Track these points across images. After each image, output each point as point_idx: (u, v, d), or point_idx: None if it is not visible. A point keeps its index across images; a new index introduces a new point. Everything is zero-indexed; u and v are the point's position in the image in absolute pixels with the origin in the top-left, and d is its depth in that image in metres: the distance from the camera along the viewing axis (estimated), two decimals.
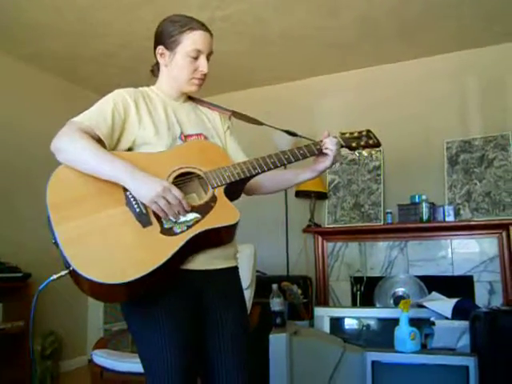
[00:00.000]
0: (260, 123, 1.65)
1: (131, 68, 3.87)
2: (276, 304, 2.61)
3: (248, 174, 1.37)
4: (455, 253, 3.54)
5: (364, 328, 2.89)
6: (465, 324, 2.37)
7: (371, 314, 2.91)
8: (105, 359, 2.38)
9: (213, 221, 1.27)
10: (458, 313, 2.48)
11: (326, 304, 3.77)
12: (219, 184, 1.33)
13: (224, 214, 1.29)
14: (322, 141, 1.48)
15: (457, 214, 3.54)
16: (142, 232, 1.22)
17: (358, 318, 2.92)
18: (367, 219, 3.81)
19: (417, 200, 3.65)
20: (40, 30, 3.36)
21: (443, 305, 2.59)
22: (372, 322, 2.89)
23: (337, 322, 2.90)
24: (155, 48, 1.47)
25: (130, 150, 1.38)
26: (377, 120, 3.74)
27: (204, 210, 1.28)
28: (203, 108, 1.58)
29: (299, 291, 3.19)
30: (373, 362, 2.20)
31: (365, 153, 1.56)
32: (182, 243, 1.22)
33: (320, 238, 3.94)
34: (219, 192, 1.33)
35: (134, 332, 1.34)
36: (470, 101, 3.80)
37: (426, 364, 2.15)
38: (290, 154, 1.43)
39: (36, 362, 3.25)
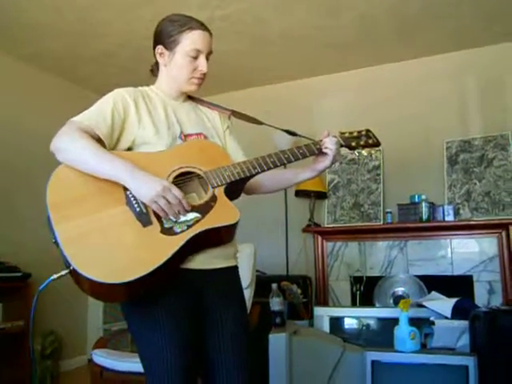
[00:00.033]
0: (260, 123, 1.65)
1: (131, 68, 3.87)
2: (276, 304, 2.61)
3: (248, 174, 1.37)
4: (455, 252, 3.54)
5: (364, 328, 2.89)
6: (464, 324, 2.37)
7: (371, 314, 2.91)
8: (104, 359, 2.38)
9: (213, 220, 1.27)
10: (457, 312, 2.48)
11: (325, 304, 3.78)
12: (219, 183, 1.33)
13: (224, 213, 1.29)
14: (321, 140, 1.48)
15: (456, 213, 3.54)
16: (142, 232, 1.22)
17: (357, 318, 2.93)
18: (367, 219, 3.81)
19: (416, 200, 3.65)
20: (40, 29, 3.36)
21: (443, 304, 2.59)
22: (372, 322, 2.89)
23: (336, 322, 2.90)
24: (154, 48, 1.47)
25: (129, 149, 1.38)
26: (376, 120, 3.74)
27: (204, 209, 1.28)
28: (203, 107, 1.58)
29: (299, 291, 3.19)
30: (372, 362, 2.20)
31: (364, 152, 1.56)
32: (182, 243, 1.22)
33: (320, 238, 3.94)
34: (219, 191, 1.33)
35: (133, 332, 1.34)
36: (470, 101, 3.80)
37: (426, 364, 2.15)
38: (289, 154, 1.43)
39: (36, 362, 3.25)
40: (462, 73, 3.83)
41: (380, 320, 2.86)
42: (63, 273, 1.19)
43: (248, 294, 2.57)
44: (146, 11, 3.13)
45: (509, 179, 3.46)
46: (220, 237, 1.34)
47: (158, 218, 1.25)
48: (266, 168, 1.40)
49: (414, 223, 3.60)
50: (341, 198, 3.97)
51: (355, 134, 1.56)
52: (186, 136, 1.43)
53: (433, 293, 2.95)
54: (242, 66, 4.09)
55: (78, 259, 1.15)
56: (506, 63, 3.70)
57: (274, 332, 2.43)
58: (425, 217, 3.54)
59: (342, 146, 1.51)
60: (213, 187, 1.33)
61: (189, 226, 1.24)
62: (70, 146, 1.26)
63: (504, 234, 3.38)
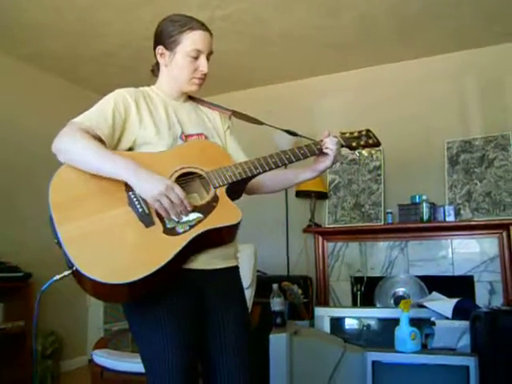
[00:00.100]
0: (260, 123, 1.65)
1: (131, 68, 3.87)
2: (276, 304, 2.61)
3: (249, 174, 1.37)
4: (455, 253, 3.54)
5: (364, 328, 2.89)
6: (465, 324, 2.37)
7: (371, 314, 2.90)
8: (105, 359, 2.38)
9: (215, 221, 1.27)
10: (458, 313, 2.48)
11: (326, 304, 3.77)
12: (221, 184, 1.33)
13: (226, 213, 1.29)
14: (322, 140, 1.48)
15: (457, 213, 3.54)
16: (144, 232, 1.22)
17: (358, 318, 2.92)
18: (367, 219, 3.81)
19: (417, 200, 3.64)
20: (40, 29, 3.36)
21: (443, 305, 2.59)
22: (372, 322, 2.88)
23: (337, 322, 2.90)
24: (155, 48, 1.47)
25: (130, 149, 1.38)
26: (377, 120, 3.74)
27: (206, 209, 1.28)
28: (203, 108, 1.58)
29: (299, 291, 3.19)
30: (373, 362, 2.20)
31: (365, 152, 1.56)
32: (184, 243, 1.22)
33: (320, 238, 3.94)
34: (221, 192, 1.33)
35: (135, 332, 1.34)
36: (470, 101, 3.80)
37: (427, 364, 2.15)
38: (290, 154, 1.43)
39: (37, 362, 3.25)
40: (463, 73, 3.83)
41: (381, 320, 2.85)
42: (66, 273, 1.19)
43: (249, 295, 2.57)
44: (146, 11, 3.13)
45: (509, 179, 3.45)
46: (222, 237, 1.34)
47: (161, 218, 1.24)
48: (267, 168, 1.40)
49: (414, 223, 3.59)
50: (341, 198, 3.97)
51: (356, 134, 1.56)
52: (186, 136, 1.43)
53: (433, 293, 2.95)
54: (243, 66, 4.09)
55: (81, 259, 1.15)
56: (507, 63, 3.70)
57: (275, 332, 2.43)
58: (425, 217, 3.53)
59: (342, 146, 1.51)
60: (214, 187, 1.33)
61: (191, 227, 1.24)
62: (72, 147, 1.26)
63: (505, 234, 3.37)
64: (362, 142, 1.54)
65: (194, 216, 1.26)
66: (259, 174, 1.40)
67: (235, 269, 1.46)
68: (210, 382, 1.37)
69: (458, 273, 3.50)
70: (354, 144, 1.53)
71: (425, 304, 2.66)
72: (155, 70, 1.53)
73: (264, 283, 2.83)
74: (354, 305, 3.66)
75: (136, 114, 1.38)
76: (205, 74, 1.46)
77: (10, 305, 3.29)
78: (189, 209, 1.25)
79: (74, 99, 4.08)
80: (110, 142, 1.33)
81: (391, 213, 3.71)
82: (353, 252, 3.84)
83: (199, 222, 1.25)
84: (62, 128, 1.30)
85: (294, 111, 4.21)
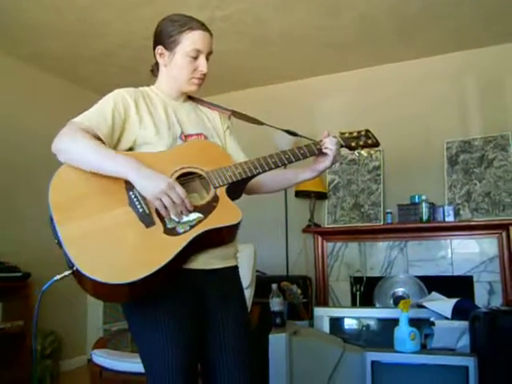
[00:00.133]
0: (260, 123, 1.65)
1: (131, 67, 3.87)
2: (276, 304, 2.61)
3: (249, 174, 1.38)
4: (455, 253, 3.54)
5: (364, 328, 2.89)
6: (464, 324, 2.37)
7: (371, 314, 2.90)
8: (104, 359, 2.38)
9: (215, 221, 1.27)
10: (457, 313, 2.48)
11: (325, 304, 3.77)
12: (221, 184, 1.33)
13: (226, 213, 1.29)
14: (321, 140, 1.48)
15: (457, 214, 3.54)
16: (145, 232, 1.22)
17: (357, 318, 2.92)
18: (367, 219, 3.81)
19: (416, 200, 3.65)
20: (40, 29, 3.36)
21: (443, 305, 2.59)
22: (372, 322, 2.89)
23: (336, 322, 2.90)
24: (154, 48, 1.47)
25: (130, 149, 1.38)
26: (377, 120, 3.74)
27: (206, 209, 1.28)
28: (203, 108, 1.58)
29: (299, 291, 3.19)
30: (372, 362, 2.20)
31: (364, 152, 1.56)
32: (185, 243, 1.22)
33: (320, 238, 3.94)
34: (221, 192, 1.33)
35: (134, 332, 1.34)
36: (470, 101, 3.80)
37: (426, 364, 2.15)
38: (290, 154, 1.43)
39: (35, 362, 3.25)
40: (462, 73, 3.83)
41: (380, 320, 2.85)
42: (66, 273, 1.19)
43: (248, 295, 2.57)
44: (146, 11, 3.13)
45: (509, 180, 3.46)
46: (222, 237, 1.34)
47: (161, 218, 1.24)
48: (267, 168, 1.40)
49: (414, 224, 3.60)
50: (341, 198, 3.97)
51: (355, 134, 1.56)
52: (186, 136, 1.43)
53: (433, 293, 2.95)
54: (242, 66, 4.09)
55: (82, 260, 1.15)
56: (507, 64, 3.70)
57: (274, 332, 2.43)
58: (425, 217, 3.54)
59: (342, 146, 1.51)
60: (215, 187, 1.33)
61: (191, 227, 1.24)
62: (72, 146, 1.26)
63: (504, 234, 3.37)
64: (362, 142, 1.54)
65: (194, 216, 1.26)
66: (259, 174, 1.40)
67: (235, 269, 1.46)
68: (210, 382, 1.37)
69: (457, 273, 3.50)
70: (353, 144, 1.53)
71: (424, 304, 2.66)
72: (155, 70, 1.53)
73: (263, 283, 2.83)
74: (354, 305, 3.66)
75: (136, 114, 1.38)
76: (204, 74, 1.45)
77: (9, 304, 3.29)
78: (190, 208, 1.25)
79: (73, 99, 4.08)
80: (109, 142, 1.32)
81: (391, 213, 3.71)
82: (352, 252, 3.84)
83: (199, 222, 1.25)
84: (61, 128, 1.30)
85: (293, 111, 4.21)
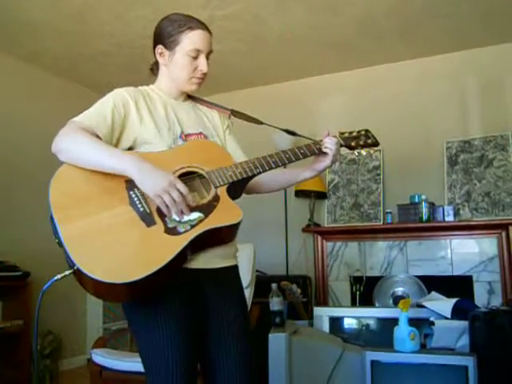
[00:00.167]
0: (260, 122, 1.64)
1: (130, 67, 3.87)
2: (275, 303, 2.61)
3: (250, 174, 1.37)
4: (455, 253, 3.54)
5: (363, 328, 2.89)
6: (464, 324, 2.37)
7: (370, 314, 2.90)
8: (104, 358, 2.38)
9: (216, 220, 1.27)
10: (457, 313, 2.48)
11: (325, 304, 3.78)
12: (222, 183, 1.33)
13: (227, 213, 1.29)
14: (321, 140, 1.49)
15: (456, 213, 3.54)
16: (146, 232, 1.22)
17: (357, 318, 2.92)
18: (367, 219, 3.81)
19: (416, 200, 3.65)
20: (40, 29, 3.36)
21: (442, 305, 2.59)
22: (371, 322, 2.88)
23: (336, 322, 2.89)
24: (154, 47, 1.46)
25: (130, 149, 1.37)
26: (377, 119, 3.75)
27: (207, 209, 1.28)
28: (202, 107, 1.58)
29: (299, 291, 3.19)
30: (372, 362, 2.20)
31: (364, 152, 1.57)
32: (185, 243, 1.21)
33: (319, 238, 3.94)
34: (222, 191, 1.32)
35: (135, 331, 1.33)
36: (470, 101, 3.81)
37: (426, 364, 2.15)
38: (290, 154, 1.44)
39: (36, 361, 3.26)
40: (463, 73, 3.83)
41: (380, 320, 2.85)
42: (67, 273, 1.18)
43: (248, 294, 2.57)
44: (146, 11, 3.13)
45: (509, 180, 3.46)
46: (223, 236, 1.34)
47: (162, 217, 1.24)
48: (267, 168, 1.40)
49: (413, 223, 3.60)
50: (341, 198, 3.97)
51: (354, 134, 1.56)
52: (186, 136, 1.43)
53: (432, 293, 2.95)
54: (242, 66, 4.09)
55: (83, 259, 1.15)
56: (506, 63, 3.70)
57: (274, 332, 2.42)
58: (425, 217, 3.54)
59: (341, 145, 1.52)
60: (215, 187, 1.32)
61: (192, 226, 1.24)
62: (72, 146, 1.26)
63: (504, 234, 3.38)
64: (361, 142, 1.55)
65: (195, 215, 1.26)
66: (259, 173, 1.40)
67: (235, 268, 1.46)
68: (210, 381, 1.37)
69: (457, 273, 3.50)
70: (353, 144, 1.54)
71: (424, 304, 2.66)
72: (154, 70, 1.52)
73: (263, 283, 2.83)
74: (353, 304, 3.67)
75: (136, 113, 1.38)
76: (204, 74, 1.45)
77: (8, 304, 3.29)
78: (192, 204, 1.25)
79: (73, 98, 4.08)
80: (109, 141, 1.32)
81: (390, 213, 3.71)
82: (352, 252, 3.84)
83: (200, 221, 1.25)
84: (61, 127, 1.30)
85: (293, 111, 4.21)
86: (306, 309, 3.28)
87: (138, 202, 1.25)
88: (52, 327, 3.52)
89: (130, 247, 1.20)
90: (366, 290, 3.63)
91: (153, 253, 1.19)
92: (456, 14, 3.28)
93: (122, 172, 1.23)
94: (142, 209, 1.24)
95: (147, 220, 1.23)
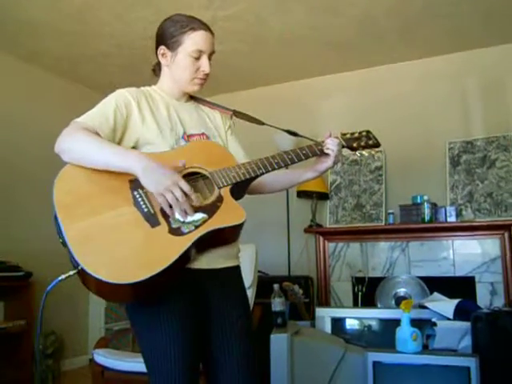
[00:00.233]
0: (261, 123, 1.65)
1: (131, 68, 3.87)
2: (277, 304, 2.61)
3: (253, 174, 1.38)
4: (457, 253, 3.53)
5: (365, 328, 2.88)
6: (466, 325, 2.37)
7: (373, 315, 2.90)
8: (106, 358, 2.38)
9: (220, 221, 1.27)
10: (459, 314, 2.48)
11: (327, 304, 3.77)
12: (225, 184, 1.33)
13: (230, 213, 1.29)
14: (323, 141, 1.49)
15: (459, 214, 3.54)
16: (150, 232, 1.22)
17: (359, 319, 2.92)
18: (369, 219, 3.81)
19: (418, 200, 3.64)
20: (40, 29, 3.37)
21: (445, 305, 2.58)
22: (373, 323, 2.88)
23: (338, 323, 2.89)
24: (157, 48, 1.47)
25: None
26: (378, 120, 3.74)
27: (211, 209, 1.28)
28: (204, 107, 1.58)
29: (300, 291, 3.18)
30: (374, 363, 2.19)
31: (365, 153, 1.57)
32: (189, 243, 1.21)
33: (321, 238, 3.94)
34: (225, 192, 1.33)
35: (137, 331, 1.33)
36: (472, 101, 3.80)
37: (428, 365, 2.14)
38: (293, 155, 1.44)
39: (38, 362, 3.26)
40: (464, 74, 3.83)
41: (382, 321, 2.85)
42: (71, 273, 1.18)
43: (250, 295, 2.57)
44: (146, 12, 3.13)
45: (511, 180, 3.45)
46: (226, 237, 1.34)
47: (166, 218, 1.24)
48: (270, 169, 1.40)
49: (416, 224, 3.59)
50: (343, 198, 3.96)
51: (356, 134, 1.57)
52: (188, 136, 1.43)
53: (435, 294, 2.95)
54: (244, 67, 4.09)
55: (87, 259, 1.15)
56: (508, 64, 3.69)
57: (276, 332, 2.42)
58: (427, 218, 3.53)
59: (343, 146, 1.52)
60: (219, 187, 1.33)
61: (196, 227, 1.24)
62: (75, 145, 1.26)
63: (506, 235, 3.37)
64: (363, 143, 1.55)
65: (199, 216, 1.25)
66: (262, 174, 1.40)
67: (237, 268, 1.46)
68: (212, 381, 1.37)
69: (459, 273, 3.49)
70: (354, 145, 1.54)
71: (426, 305, 2.65)
72: (156, 70, 1.53)
73: (265, 283, 2.83)
74: (355, 305, 3.66)
75: (138, 114, 1.38)
76: (207, 74, 1.45)
77: (10, 304, 3.30)
78: (195, 203, 1.25)
79: (73, 99, 4.09)
80: (111, 142, 1.32)
81: (392, 213, 3.71)
82: (354, 252, 3.84)
83: (204, 222, 1.25)
84: (62, 128, 1.30)
85: (295, 111, 4.21)
86: (308, 309, 3.28)
87: (142, 203, 1.25)
88: (54, 327, 3.53)
89: (134, 247, 1.20)
90: (367, 290, 3.63)
91: (157, 253, 1.19)
92: (456, 15, 3.28)
93: (126, 169, 1.23)
94: (146, 209, 1.24)
95: (151, 220, 1.23)
